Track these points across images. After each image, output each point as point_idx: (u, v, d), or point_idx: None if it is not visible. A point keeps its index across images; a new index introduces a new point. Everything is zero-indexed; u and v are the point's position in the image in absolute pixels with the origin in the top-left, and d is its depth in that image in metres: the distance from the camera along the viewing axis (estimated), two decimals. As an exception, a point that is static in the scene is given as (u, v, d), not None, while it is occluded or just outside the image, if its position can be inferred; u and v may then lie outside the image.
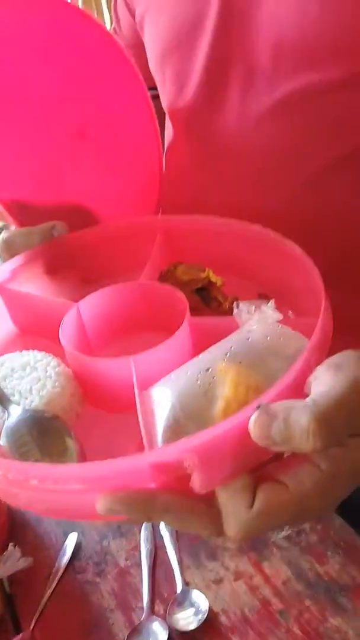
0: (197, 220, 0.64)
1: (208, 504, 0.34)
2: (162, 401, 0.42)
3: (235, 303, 0.48)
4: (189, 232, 0.64)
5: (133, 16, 0.78)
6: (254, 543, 0.62)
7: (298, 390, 0.36)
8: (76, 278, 0.64)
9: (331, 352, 0.39)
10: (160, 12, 0.70)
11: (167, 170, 0.78)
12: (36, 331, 0.58)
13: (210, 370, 0.43)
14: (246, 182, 0.68)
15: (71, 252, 0.64)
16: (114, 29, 0.85)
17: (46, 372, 0.47)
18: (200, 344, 0.48)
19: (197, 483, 0.33)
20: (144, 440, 0.39)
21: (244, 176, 0.68)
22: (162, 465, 0.32)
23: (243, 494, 0.33)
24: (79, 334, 0.53)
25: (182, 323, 0.49)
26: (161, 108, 0.75)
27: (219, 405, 0.41)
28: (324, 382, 0.35)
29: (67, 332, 0.50)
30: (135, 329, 0.56)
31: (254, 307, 0.47)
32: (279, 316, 0.46)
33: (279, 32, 0.59)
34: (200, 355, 0.44)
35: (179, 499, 0.34)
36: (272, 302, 0.47)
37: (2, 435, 0.43)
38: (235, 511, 0.33)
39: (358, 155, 0.62)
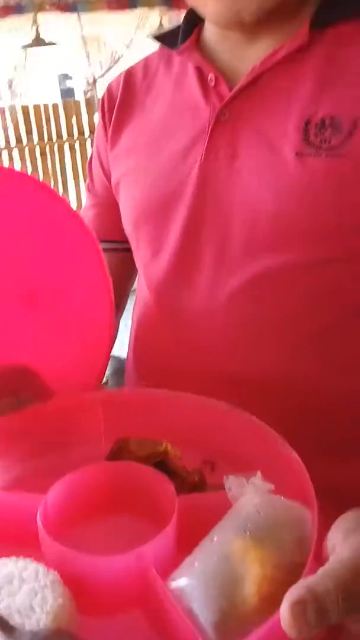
0: (138, 392, 0.64)
1: None
2: (197, 594, 0.39)
3: (225, 478, 0.48)
4: (130, 402, 0.64)
5: (107, 177, 0.81)
6: None
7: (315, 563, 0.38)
8: (17, 453, 0.59)
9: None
10: (137, 181, 0.73)
11: (138, 326, 0.78)
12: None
13: (232, 550, 0.42)
14: (214, 354, 0.69)
15: (11, 427, 0.59)
16: (88, 184, 0.87)
17: (39, 581, 0.41)
18: (190, 522, 0.46)
19: None
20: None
21: (213, 348, 0.69)
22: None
23: None
24: (58, 528, 0.48)
25: (167, 503, 0.47)
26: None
27: (252, 587, 0.40)
28: (342, 552, 0.37)
29: (46, 528, 0.45)
30: (109, 512, 0.52)
31: (244, 480, 0.48)
32: (271, 487, 0.47)
33: (252, 217, 0.64)
34: (215, 537, 0.43)
35: None
36: (259, 474, 0.48)
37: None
38: None
39: (328, 331, 0.66)
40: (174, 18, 4.80)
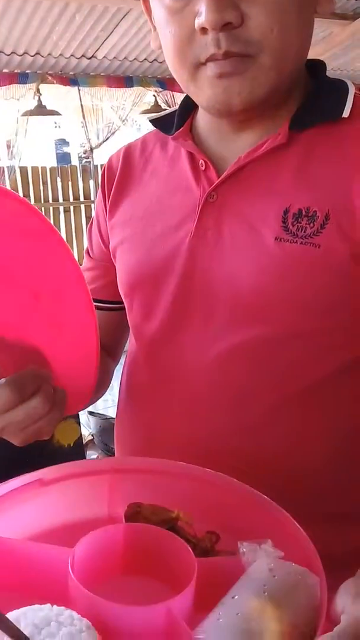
0: (145, 460, 0.68)
1: None
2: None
3: (239, 543, 0.52)
4: (138, 470, 0.68)
5: (104, 243, 0.89)
6: None
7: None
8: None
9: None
10: (133, 249, 0.81)
11: (127, 384, 0.85)
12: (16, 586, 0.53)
13: (252, 607, 0.46)
14: (199, 414, 0.76)
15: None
16: (87, 248, 0.95)
17: (75, 626, 0.45)
18: (206, 582, 0.51)
19: None
20: None
21: (197, 409, 0.76)
22: None
23: None
24: (86, 580, 0.51)
25: (187, 564, 0.51)
26: None
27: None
28: (354, 612, 0.42)
29: (77, 578, 0.48)
30: (130, 570, 0.56)
31: (257, 546, 0.52)
32: (281, 553, 0.52)
33: (235, 291, 0.71)
34: (236, 595, 0.47)
35: None
36: (270, 541, 0.53)
37: None
38: None
39: (308, 393, 0.73)
40: (167, 98, 5.10)
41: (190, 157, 0.79)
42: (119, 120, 5.48)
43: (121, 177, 0.87)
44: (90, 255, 0.95)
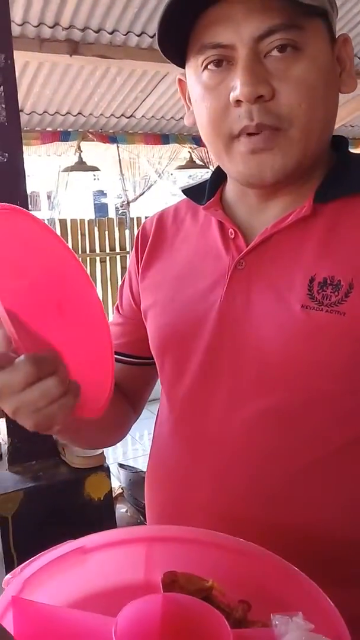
0: (178, 529, 0.71)
1: None
2: None
3: (272, 615, 0.54)
4: (173, 539, 0.71)
5: (135, 302, 0.93)
6: None
7: None
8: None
9: None
10: (164, 311, 0.85)
11: (156, 442, 0.88)
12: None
13: None
14: (224, 480, 0.78)
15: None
16: (117, 304, 0.99)
17: None
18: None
19: None
20: None
21: (223, 474, 0.78)
22: None
23: None
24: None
25: (222, 635, 0.53)
26: None
27: None
28: None
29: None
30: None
31: (289, 618, 0.54)
32: (312, 626, 0.54)
33: (263, 356, 0.75)
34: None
35: None
36: (301, 614, 0.55)
37: None
38: None
39: (333, 458, 0.74)
40: (201, 154, 5.26)
41: (220, 225, 0.83)
42: (155, 174, 5.66)
43: (154, 241, 0.91)
44: (119, 312, 0.99)
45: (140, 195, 5.67)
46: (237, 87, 0.69)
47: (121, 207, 6.41)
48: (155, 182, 5.65)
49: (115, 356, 0.96)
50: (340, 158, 0.81)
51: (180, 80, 0.82)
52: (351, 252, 0.73)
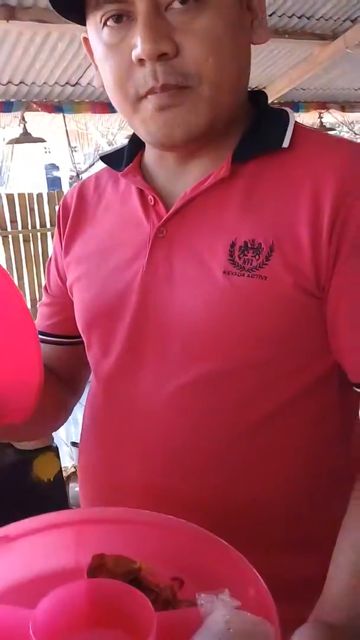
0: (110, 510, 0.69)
1: None
2: None
3: (197, 595, 0.53)
4: (103, 521, 0.68)
5: (61, 280, 0.89)
6: None
7: None
8: None
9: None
10: (88, 286, 0.81)
11: (87, 418, 0.85)
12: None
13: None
14: (156, 453, 0.76)
15: None
16: (45, 284, 0.96)
17: None
18: (165, 636, 0.51)
19: None
20: None
21: (154, 447, 0.76)
22: None
23: None
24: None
25: (146, 619, 0.51)
26: None
27: None
28: None
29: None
30: (92, 627, 0.56)
31: (215, 597, 0.53)
32: (238, 603, 0.52)
33: (188, 325, 0.72)
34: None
35: None
36: (227, 591, 0.53)
37: None
38: None
39: (264, 424, 0.73)
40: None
41: (140, 192, 0.80)
42: (107, 144, 5.54)
43: (75, 214, 0.87)
44: (48, 292, 0.96)
45: (91, 166, 5.55)
46: (138, 44, 0.65)
47: (72, 179, 6.28)
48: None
49: (48, 337, 0.93)
50: (259, 114, 0.77)
51: (85, 38, 0.76)
52: (270, 212, 0.71)
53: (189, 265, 0.73)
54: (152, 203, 0.77)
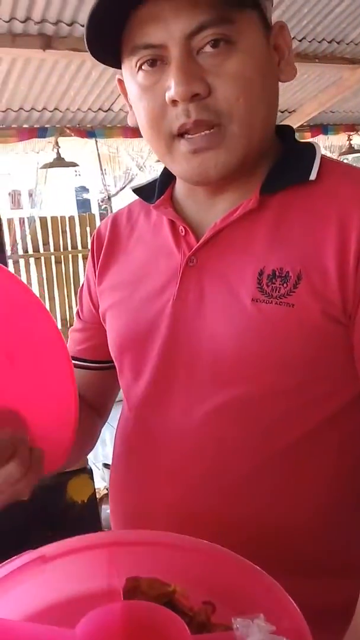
0: (143, 533, 0.69)
1: None
2: None
3: (233, 619, 0.53)
4: (137, 543, 0.69)
5: (94, 306, 0.92)
6: None
7: None
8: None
9: None
10: (120, 314, 0.84)
11: (118, 443, 0.87)
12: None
13: None
14: (184, 478, 0.77)
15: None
16: (77, 310, 0.98)
17: None
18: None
19: None
20: None
21: (183, 472, 0.77)
22: None
23: None
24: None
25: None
26: None
27: None
28: None
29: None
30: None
31: (250, 621, 0.53)
32: (273, 628, 0.52)
33: (217, 351, 0.74)
34: None
35: None
36: (262, 616, 0.54)
37: None
38: None
39: (292, 450, 0.74)
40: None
41: (171, 223, 0.82)
42: (137, 167, 5.62)
43: (109, 244, 0.91)
44: (80, 317, 0.98)
45: (122, 189, 5.63)
46: (172, 86, 0.68)
47: (102, 202, 6.38)
48: (137, 175, 5.62)
49: (79, 362, 0.95)
50: (287, 148, 0.80)
51: (119, 80, 0.80)
52: (298, 242, 0.73)
53: (219, 293, 0.75)
54: (183, 233, 0.80)
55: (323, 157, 0.77)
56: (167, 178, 0.86)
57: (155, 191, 0.85)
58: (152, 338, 0.79)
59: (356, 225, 0.69)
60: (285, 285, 0.71)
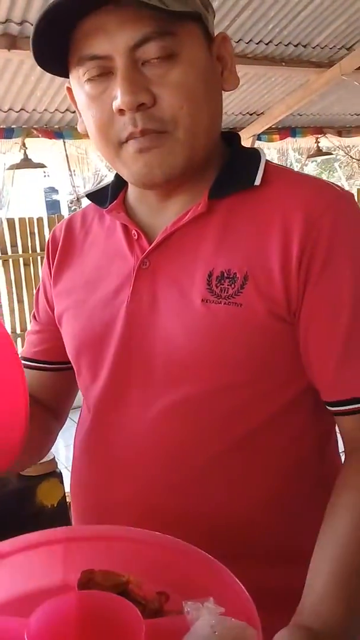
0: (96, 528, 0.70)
1: None
2: None
3: (184, 603, 0.54)
4: (90, 538, 0.70)
5: (50, 308, 0.93)
6: None
7: None
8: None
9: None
10: (76, 316, 0.85)
11: (78, 442, 0.88)
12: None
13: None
14: (140, 473, 0.79)
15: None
16: (33, 312, 0.99)
17: None
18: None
19: None
20: None
21: (138, 468, 0.79)
22: None
23: None
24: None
25: (135, 627, 0.53)
26: None
27: None
28: None
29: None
30: (84, 636, 0.57)
31: (200, 605, 0.55)
32: (222, 609, 0.54)
33: (169, 351, 0.76)
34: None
35: None
36: (212, 599, 0.55)
37: None
38: None
39: (243, 443, 0.76)
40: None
41: (124, 228, 0.85)
42: (106, 168, 5.61)
43: (64, 247, 0.92)
44: (37, 319, 0.99)
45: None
46: (118, 96, 0.71)
47: (72, 203, 6.35)
48: (106, 176, 5.61)
49: (35, 364, 0.96)
50: (233, 154, 0.83)
51: (68, 88, 0.81)
52: (244, 245, 0.75)
53: (171, 294, 0.77)
54: (136, 237, 0.82)
55: (267, 163, 0.80)
56: (120, 183, 0.88)
57: (109, 196, 0.87)
58: (108, 340, 0.81)
59: (297, 229, 0.73)
60: (233, 286, 0.73)
